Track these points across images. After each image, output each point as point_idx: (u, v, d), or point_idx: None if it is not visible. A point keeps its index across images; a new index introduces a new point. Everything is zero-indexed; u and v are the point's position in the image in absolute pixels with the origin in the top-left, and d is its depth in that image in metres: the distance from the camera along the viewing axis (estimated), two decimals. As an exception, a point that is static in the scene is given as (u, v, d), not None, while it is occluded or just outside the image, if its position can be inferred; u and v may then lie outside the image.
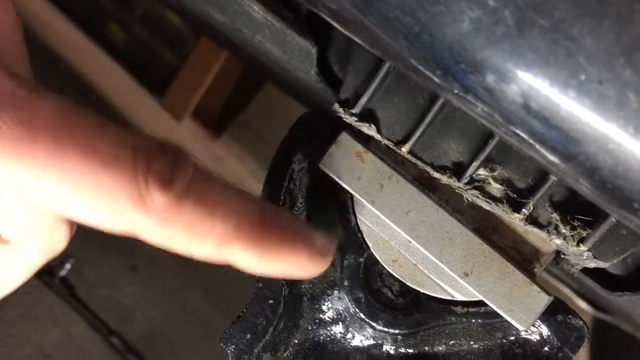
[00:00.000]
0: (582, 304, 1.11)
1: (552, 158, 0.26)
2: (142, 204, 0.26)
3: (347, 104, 0.38)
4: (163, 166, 0.27)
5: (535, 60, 0.24)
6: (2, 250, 0.31)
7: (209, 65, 1.65)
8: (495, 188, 0.37)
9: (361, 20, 0.27)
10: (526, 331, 0.39)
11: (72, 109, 0.26)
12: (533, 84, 0.24)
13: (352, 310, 0.40)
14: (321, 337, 0.41)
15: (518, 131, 0.26)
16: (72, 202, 0.26)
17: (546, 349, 0.39)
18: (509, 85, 0.25)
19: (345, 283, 0.40)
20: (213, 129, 1.71)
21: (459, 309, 0.39)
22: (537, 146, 0.26)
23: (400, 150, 0.38)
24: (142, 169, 0.26)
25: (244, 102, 1.76)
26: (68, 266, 1.23)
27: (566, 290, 1.04)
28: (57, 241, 0.32)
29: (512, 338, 0.39)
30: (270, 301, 0.40)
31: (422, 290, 0.40)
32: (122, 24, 1.68)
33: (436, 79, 0.27)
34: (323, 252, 0.32)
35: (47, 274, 1.23)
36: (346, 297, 0.40)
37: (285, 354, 0.41)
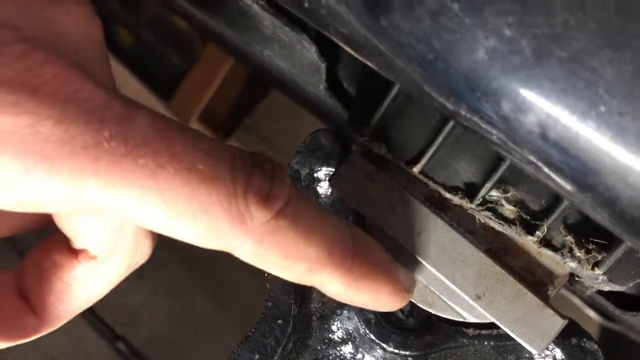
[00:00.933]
0: (591, 313, 1.10)
1: (570, 188, 0.26)
2: (240, 222, 0.25)
3: (358, 124, 0.38)
4: (262, 182, 0.26)
5: (553, 90, 0.23)
6: (90, 267, 0.31)
7: (216, 70, 1.65)
8: (509, 210, 0.36)
9: (374, 46, 0.26)
10: (539, 354, 0.38)
11: (167, 123, 0.25)
12: (551, 113, 0.24)
13: (361, 330, 0.40)
14: (330, 358, 0.41)
15: (535, 160, 0.26)
16: (169, 221, 0.25)
17: (559, 372, 0.38)
18: (525, 115, 0.24)
19: (355, 303, 0.40)
20: (219, 133, 1.71)
21: (470, 331, 0.39)
22: (554, 176, 0.26)
23: (412, 170, 0.37)
24: (241, 184, 0.25)
25: (250, 106, 1.76)
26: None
27: (576, 300, 1.03)
28: (141, 255, 0.31)
29: (525, 361, 0.39)
30: (280, 321, 0.40)
31: (433, 312, 0.39)
32: (130, 28, 1.69)
33: (450, 106, 0.26)
34: (406, 288, 0.31)
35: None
36: (356, 317, 0.40)
37: (293, 374, 0.40)
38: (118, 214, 0.25)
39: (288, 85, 0.60)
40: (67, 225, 0.30)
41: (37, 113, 0.23)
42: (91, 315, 1.30)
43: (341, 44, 0.29)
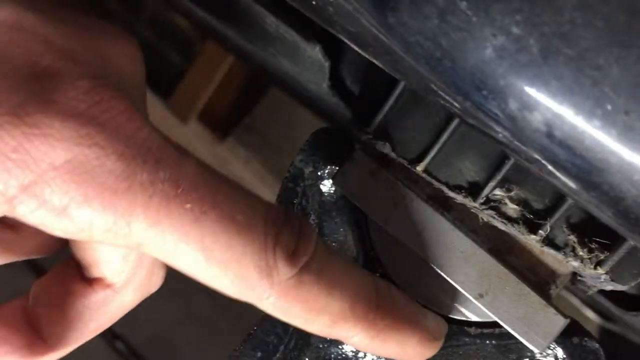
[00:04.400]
0: (590, 314, 1.10)
1: (575, 186, 0.26)
2: (267, 275, 0.26)
3: (362, 122, 0.38)
4: (290, 238, 0.27)
5: (560, 89, 0.23)
6: (105, 296, 0.32)
7: (216, 68, 1.65)
8: (512, 208, 0.36)
9: (381, 44, 0.26)
10: (541, 353, 0.38)
11: (213, 172, 0.26)
12: (558, 112, 0.24)
13: (364, 329, 0.40)
14: (332, 355, 0.41)
15: (540, 158, 0.26)
16: (202, 266, 0.26)
17: (561, 371, 0.38)
18: (532, 113, 0.24)
19: (358, 301, 0.40)
20: (219, 131, 1.71)
21: (472, 330, 0.39)
22: (559, 174, 0.26)
23: (415, 168, 0.37)
24: (271, 238, 0.26)
25: (250, 105, 1.76)
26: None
27: (574, 300, 1.04)
28: (154, 284, 0.33)
29: (527, 360, 0.39)
30: (282, 319, 0.40)
31: (435, 310, 0.39)
32: (130, 26, 1.68)
33: (456, 104, 0.26)
34: (436, 336, 0.32)
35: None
36: (358, 316, 0.40)
37: (295, 372, 0.40)
38: (155, 252, 0.26)
39: (290, 84, 0.60)
40: (88, 254, 0.31)
41: (104, 147, 0.24)
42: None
43: (348, 42, 0.29)
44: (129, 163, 0.24)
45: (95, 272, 0.31)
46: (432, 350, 0.32)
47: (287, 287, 0.27)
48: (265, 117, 1.74)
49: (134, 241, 0.25)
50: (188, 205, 0.25)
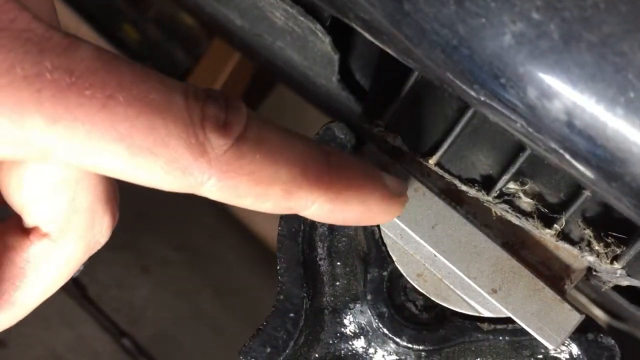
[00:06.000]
0: (598, 312, 1.09)
1: (595, 177, 0.25)
2: (202, 153, 0.24)
3: (373, 114, 0.37)
4: (217, 110, 0.25)
5: (581, 76, 0.23)
6: (43, 247, 0.29)
7: (221, 66, 1.64)
8: (526, 202, 0.36)
9: (395, 32, 0.26)
10: (555, 350, 0.37)
11: (113, 55, 0.24)
12: (578, 100, 0.23)
13: (374, 324, 0.39)
14: (342, 352, 0.40)
15: (560, 149, 0.25)
16: (127, 160, 0.23)
17: (575, 368, 0.37)
18: (552, 102, 0.24)
19: (369, 297, 0.39)
20: (224, 129, 1.71)
21: (485, 326, 0.38)
22: (579, 165, 0.25)
23: (428, 162, 0.37)
24: (196, 114, 0.24)
25: (256, 102, 1.75)
26: (81, 267, 1.23)
27: (582, 299, 1.03)
28: (100, 234, 0.29)
29: (541, 357, 0.38)
30: (292, 314, 0.39)
31: (447, 306, 0.38)
32: (136, 24, 1.68)
33: (473, 93, 0.26)
34: (396, 192, 0.30)
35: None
36: (369, 311, 0.39)
37: (305, 368, 0.40)
38: (68, 157, 0.23)
39: (298, 79, 0.60)
40: (15, 196, 0.28)
41: None
42: (96, 311, 1.29)
43: (361, 31, 0.28)
44: (5, 56, 0.21)
45: (29, 220, 0.29)
46: (396, 207, 0.30)
47: (226, 161, 0.24)
48: (271, 115, 1.73)
49: (38, 149, 0.22)
50: (88, 92, 0.22)
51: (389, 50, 0.28)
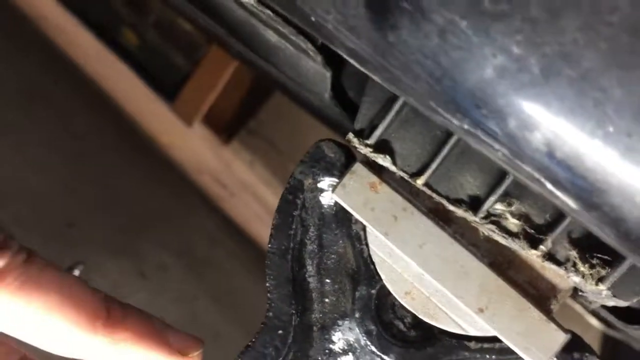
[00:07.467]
0: (593, 321, 1.09)
1: (575, 206, 0.25)
2: None
3: (362, 135, 0.38)
4: None
5: (561, 109, 0.23)
6: None
7: (221, 71, 1.65)
8: (513, 223, 0.36)
9: (380, 61, 0.26)
10: (542, 369, 0.38)
11: None
12: (559, 132, 0.24)
13: (362, 342, 0.40)
14: (331, 368, 0.40)
15: (540, 178, 0.25)
16: None
17: (561, 387, 0.38)
18: (532, 133, 0.24)
19: (357, 314, 0.39)
20: (223, 134, 1.71)
21: (472, 345, 0.39)
22: (560, 193, 0.25)
23: (416, 182, 0.37)
24: None
25: (254, 108, 1.75)
26: (77, 272, 1.23)
27: (577, 307, 1.03)
28: None
29: (527, 376, 0.38)
30: (280, 331, 0.40)
31: (435, 324, 0.39)
32: (135, 29, 1.69)
33: (456, 122, 0.26)
34: (180, 350, 0.32)
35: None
36: (357, 329, 0.40)
37: (294, 384, 0.40)
38: None
39: (292, 94, 0.60)
40: None
41: None
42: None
43: (347, 58, 0.28)
44: None
45: None
46: None
47: None
48: (270, 120, 1.73)
49: None
50: None
51: (375, 78, 0.28)
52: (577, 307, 1.03)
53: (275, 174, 1.68)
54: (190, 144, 1.73)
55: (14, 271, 0.29)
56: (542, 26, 0.23)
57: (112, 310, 0.31)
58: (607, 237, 0.26)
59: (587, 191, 0.24)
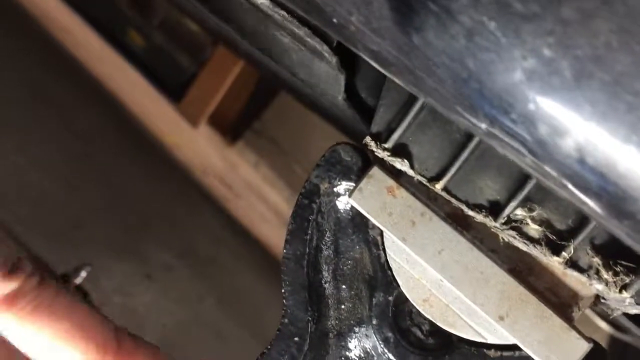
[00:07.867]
0: (602, 323, 1.09)
1: (607, 214, 0.25)
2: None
3: (379, 138, 0.37)
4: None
5: (593, 114, 0.22)
6: None
7: (226, 72, 1.64)
8: (534, 229, 0.35)
9: (404, 64, 0.25)
10: (563, 378, 0.37)
11: None
12: (591, 138, 0.23)
13: (380, 349, 0.39)
14: (347, 376, 0.40)
15: (570, 185, 0.25)
16: None
17: (582, 395, 0.37)
18: (563, 139, 0.23)
19: (374, 321, 0.39)
20: (229, 135, 1.71)
21: (492, 353, 0.38)
22: (590, 202, 0.25)
23: (434, 187, 0.36)
24: None
25: (260, 109, 1.75)
26: (84, 274, 1.23)
27: (586, 310, 1.02)
28: None
29: (548, 384, 0.38)
30: (296, 338, 0.39)
31: (453, 332, 0.38)
32: (141, 30, 1.68)
33: (482, 127, 0.25)
34: None
35: (62, 281, 1.22)
36: (374, 336, 0.39)
37: (309, 392, 0.39)
38: None
39: (304, 96, 0.60)
40: None
41: None
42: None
43: (369, 60, 0.28)
44: None
45: None
46: None
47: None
48: (275, 121, 1.73)
49: None
50: None
51: (397, 80, 0.28)
52: (586, 310, 1.02)
53: (281, 174, 1.68)
54: (196, 144, 1.73)
55: (27, 295, 0.29)
56: (574, 28, 0.22)
57: (123, 342, 0.31)
58: (638, 245, 0.25)
59: (620, 198, 0.23)
